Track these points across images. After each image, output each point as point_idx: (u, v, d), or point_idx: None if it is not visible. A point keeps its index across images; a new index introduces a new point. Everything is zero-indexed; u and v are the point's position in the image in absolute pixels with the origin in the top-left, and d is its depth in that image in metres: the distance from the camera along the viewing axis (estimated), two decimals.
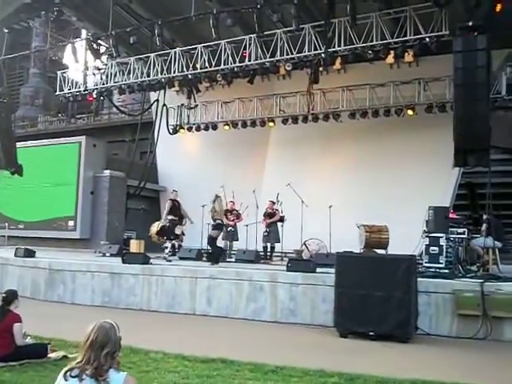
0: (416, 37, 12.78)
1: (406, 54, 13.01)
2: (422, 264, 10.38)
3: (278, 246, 14.46)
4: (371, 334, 8.24)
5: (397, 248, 11.41)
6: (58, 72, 19.20)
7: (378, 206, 15.59)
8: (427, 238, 10.48)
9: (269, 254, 14.34)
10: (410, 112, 15.87)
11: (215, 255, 12.63)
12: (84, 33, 23.55)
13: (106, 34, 16.18)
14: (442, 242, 10.25)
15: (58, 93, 18.79)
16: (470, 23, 9.94)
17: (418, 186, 15.61)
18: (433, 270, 10.13)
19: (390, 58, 13.32)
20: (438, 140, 14.56)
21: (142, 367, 6.19)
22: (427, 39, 12.62)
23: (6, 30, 18.53)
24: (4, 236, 19.20)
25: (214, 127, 19.03)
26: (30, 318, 7.04)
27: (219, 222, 12.79)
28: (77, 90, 18.21)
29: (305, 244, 14.18)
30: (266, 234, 14.29)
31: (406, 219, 13.92)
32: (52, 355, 6.67)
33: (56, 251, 16.77)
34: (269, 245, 14.36)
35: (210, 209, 12.83)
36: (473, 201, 19.22)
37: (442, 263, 10.17)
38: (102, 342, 2.93)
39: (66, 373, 2.97)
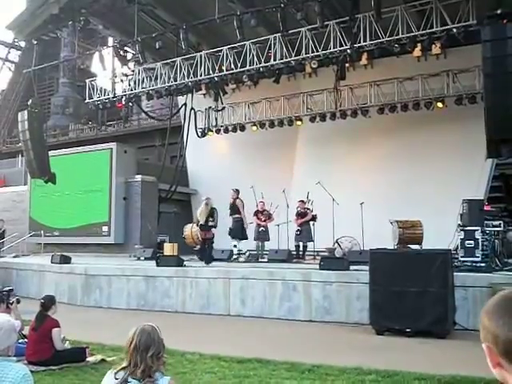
0: (443, 28, 12.58)
1: (433, 46, 12.79)
2: (457, 258, 10.20)
3: (310, 245, 14.40)
4: (408, 330, 8.15)
5: (431, 243, 11.27)
6: (87, 80, 19.49)
7: (410, 200, 15.38)
8: (462, 232, 10.29)
9: (301, 253, 14.28)
10: (439, 105, 15.64)
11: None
12: (111, 40, 23.86)
13: (132, 40, 16.36)
14: (478, 235, 10.06)
15: (87, 101, 19.10)
16: (499, 11, 9.75)
17: (451, 179, 15.36)
18: (469, 263, 9.95)
19: (417, 51, 13.13)
20: (470, 132, 14.31)
21: (179, 368, 6.23)
22: (454, 30, 12.39)
23: (35, 42, 18.91)
24: (40, 243, 19.59)
25: (242, 128, 19.07)
26: (67, 322, 7.16)
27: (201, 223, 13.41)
28: (106, 97, 18.47)
29: (337, 242, 14.09)
30: (298, 233, 14.21)
31: (440, 213, 13.72)
32: (90, 359, 6.78)
33: (91, 257, 17.01)
34: (301, 244, 14.26)
35: None
36: (508, 192, 18.85)
37: (478, 257, 9.98)
38: (146, 345, 2.97)
39: (116, 373, 3.01)
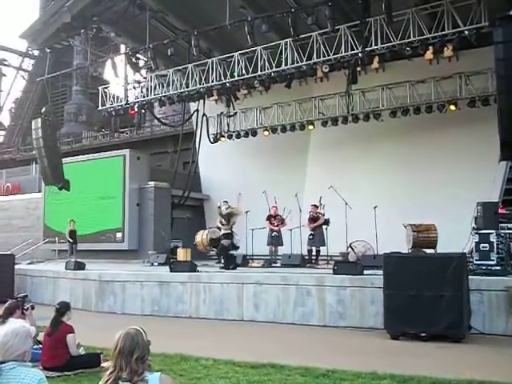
0: (454, 30, 12.52)
1: (445, 48, 12.74)
2: (472, 262, 10.11)
3: (323, 250, 14.34)
4: (423, 335, 8.09)
5: (446, 247, 11.18)
6: (100, 88, 19.64)
7: (424, 204, 15.30)
8: (477, 235, 10.20)
9: (314, 257, 14.23)
10: (452, 107, 15.53)
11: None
12: (123, 48, 24.03)
13: (144, 47, 16.47)
14: (493, 238, 9.96)
15: (100, 108, 19.24)
16: (511, 12, 9.68)
17: (465, 182, 15.26)
18: (484, 267, 9.85)
19: (429, 54, 13.06)
20: (483, 134, 14.22)
21: (193, 374, 6.23)
22: (466, 32, 12.33)
23: (49, 50, 19.10)
24: (54, 250, 19.72)
25: (254, 133, 19.06)
26: (82, 328, 7.18)
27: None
28: (118, 104, 18.60)
29: (351, 246, 14.01)
30: (310, 237, 14.16)
31: (454, 217, 13.61)
32: (105, 364, 6.76)
33: (105, 263, 17.10)
34: (314, 248, 14.22)
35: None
36: None
37: (493, 260, 9.88)
38: (131, 349, 2.96)
39: (107, 381, 3.01)
